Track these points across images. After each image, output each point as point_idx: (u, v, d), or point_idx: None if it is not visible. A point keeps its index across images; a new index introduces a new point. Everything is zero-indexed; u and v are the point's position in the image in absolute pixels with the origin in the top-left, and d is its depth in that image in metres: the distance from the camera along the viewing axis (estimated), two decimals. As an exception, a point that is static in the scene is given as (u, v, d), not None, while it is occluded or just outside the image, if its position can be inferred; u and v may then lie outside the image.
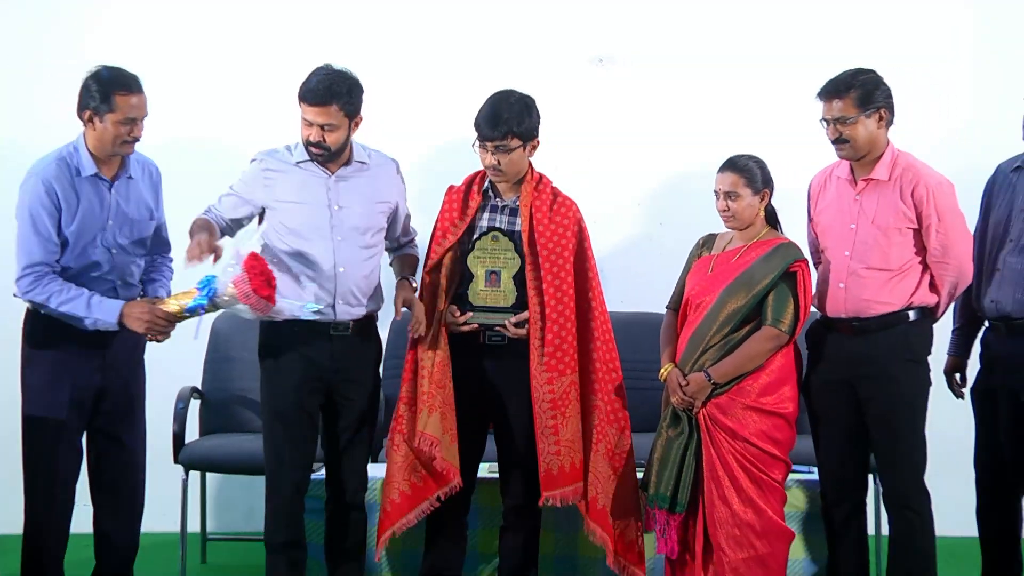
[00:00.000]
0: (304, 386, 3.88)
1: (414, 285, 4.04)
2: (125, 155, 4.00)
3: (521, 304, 3.99)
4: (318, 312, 3.81)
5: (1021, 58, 4.62)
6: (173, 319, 3.79)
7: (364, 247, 3.94)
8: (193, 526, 4.94)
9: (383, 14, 5.56)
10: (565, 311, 3.97)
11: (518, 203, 4.04)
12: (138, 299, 3.98)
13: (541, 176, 4.07)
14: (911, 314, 3.94)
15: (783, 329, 3.87)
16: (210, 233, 3.80)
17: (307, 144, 3.89)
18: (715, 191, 4.06)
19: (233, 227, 4.01)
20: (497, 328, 3.97)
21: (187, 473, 4.75)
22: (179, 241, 4.00)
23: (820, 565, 4.21)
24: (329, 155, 3.89)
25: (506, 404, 4.02)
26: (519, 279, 3.99)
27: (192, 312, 3.76)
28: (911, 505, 3.93)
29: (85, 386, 3.96)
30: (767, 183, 4.03)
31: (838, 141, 3.94)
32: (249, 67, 5.49)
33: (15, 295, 3.90)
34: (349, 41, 5.46)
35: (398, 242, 4.16)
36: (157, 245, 4.20)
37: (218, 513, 5.36)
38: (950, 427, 4.28)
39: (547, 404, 3.93)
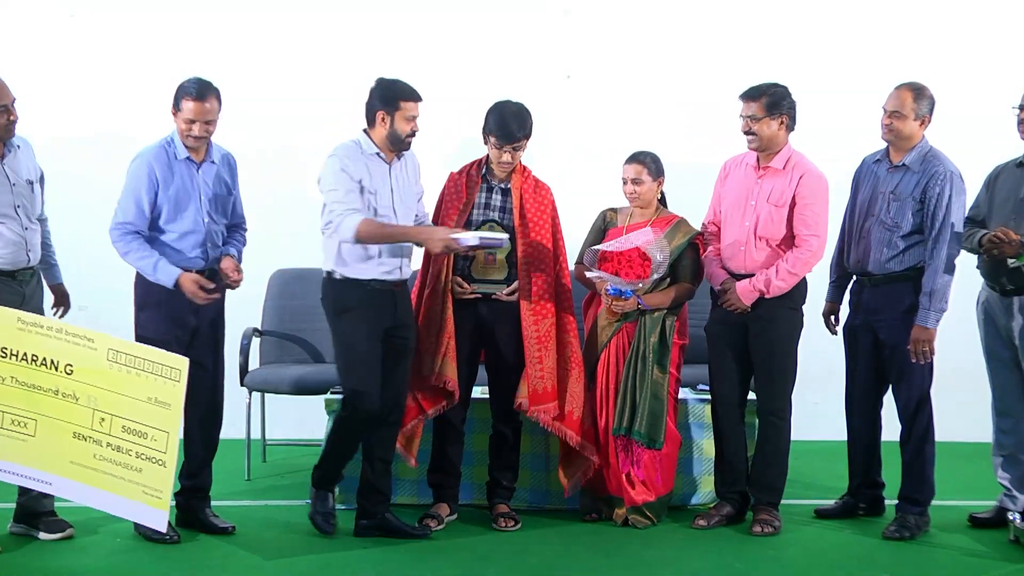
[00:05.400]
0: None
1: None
2: (202, 146, 4.53)
3: (512, 277, 4.79)
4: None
5: (879, 78, 5.13)
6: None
7: None
8: (255, 434, 5.76)
9: (379, 36, 6.39)
10: (546, 270, 4.80)
11: (509, 185, 4.83)
12: (194, 272, 4.49)
13: (524, 166, 4.90)
14: None
15: (695, 284, 4.94)
16: None
17: (409, 136, 4.53)
18: (623, 179, 4.91)
19: None
20: (493, 296, 4.78)
21: (250, 394, 5.63)
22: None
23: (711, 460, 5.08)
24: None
25: (498, 339, 4.83)
26: (511, 258, 4.79)
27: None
28: (777, 413, 4.79)
29: (184, 325, 4.56)
30: (661, 172, 4.92)
31: (748, 133, 4.73)
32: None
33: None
34: (354, 57, 6.32)
35: None
36: (234, 217, 4.78)
37: (274, 424, 6.04)
38: (834, 355, 5.10)
39: (534, 340, 4.78)
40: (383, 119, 4.58)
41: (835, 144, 5.56)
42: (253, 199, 5.28)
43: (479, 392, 5.05)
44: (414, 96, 4.59)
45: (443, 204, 4.87)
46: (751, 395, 4.99)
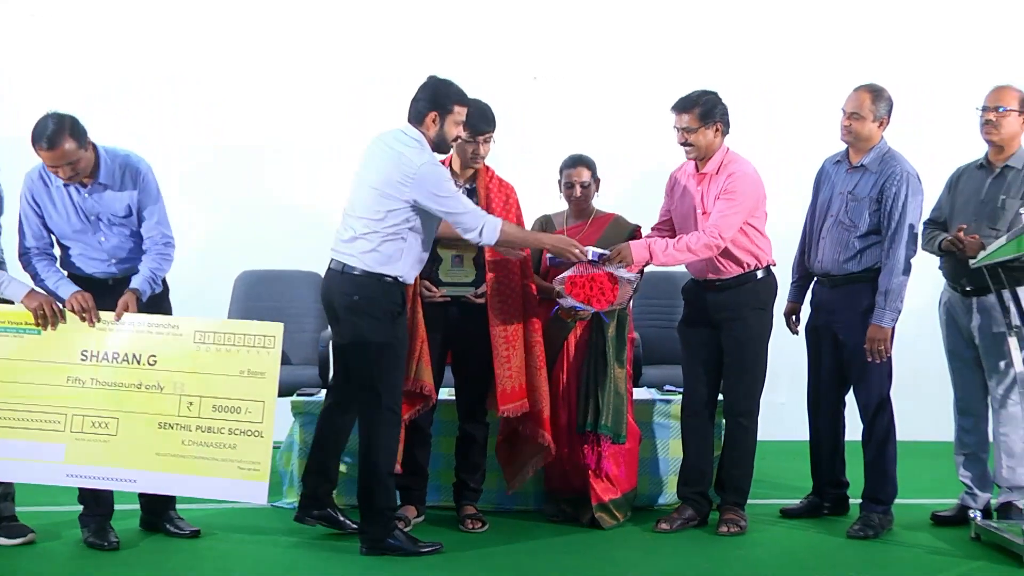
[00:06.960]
0: None
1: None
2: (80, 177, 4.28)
3: (479, 279, 4.81)
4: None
5: (840, 82, 5.08)
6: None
7: None
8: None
9: (344, 40, 6.43)
10: (512, 270, 4.82)
11: (475, 185, 4.85)
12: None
13: (488, 166, 4.90)
14: (759, 273, 4.79)
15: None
16: None
17: (454, 140, 4.49)
18: (571, 182, 4.95)
19: None
20: (462, 299, 4.78)
21: (215, 396, 5.74)
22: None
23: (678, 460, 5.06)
24: None
25: (466, 341, 4.86)
26: (478, 260, 4.82)
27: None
28: (744, 415, 4.81)
29: None
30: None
31: (685, 144, 4.74)
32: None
33: None
34: (319, 60, 6.36)
35: None
36: (148, 233, 4.45)
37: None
38: (799, 356, 5.11)
39: (501, 339, 4.79)
40: (434, 120, 4.46)
41: (803, 144, 5.60)
42: (218, 201, 5.33)
43: (445, 394, 5.04)
44: (466, 100, 4.51)
45: None
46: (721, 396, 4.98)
